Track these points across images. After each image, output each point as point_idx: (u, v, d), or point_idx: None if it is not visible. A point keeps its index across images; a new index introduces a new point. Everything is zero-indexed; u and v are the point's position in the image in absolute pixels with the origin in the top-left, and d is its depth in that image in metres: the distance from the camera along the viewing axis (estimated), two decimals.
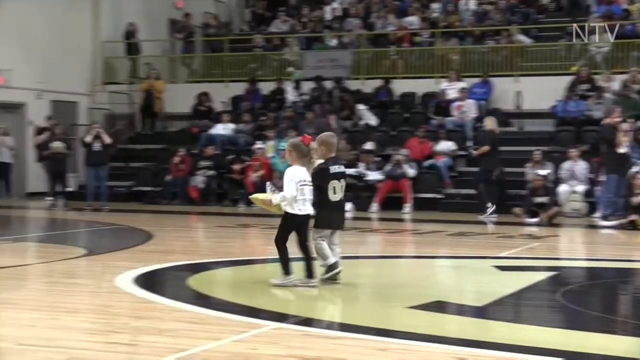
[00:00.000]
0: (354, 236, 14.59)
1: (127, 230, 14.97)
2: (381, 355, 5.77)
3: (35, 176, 21.72)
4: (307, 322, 6.83)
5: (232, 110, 23.21)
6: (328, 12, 25.94)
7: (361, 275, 10.07)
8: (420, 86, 22.63)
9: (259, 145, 20.39)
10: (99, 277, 9.32)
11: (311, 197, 8.33)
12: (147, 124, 24.20)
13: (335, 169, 8.61)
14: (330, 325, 6.66)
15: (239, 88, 23.71)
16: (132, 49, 25.18)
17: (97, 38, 24.68)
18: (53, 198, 19.32)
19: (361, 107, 21.79)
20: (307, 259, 8.42)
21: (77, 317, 6.99)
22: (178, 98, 23.59)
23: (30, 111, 22.61)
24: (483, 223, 16.47)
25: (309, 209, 8.33)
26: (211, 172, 20.48)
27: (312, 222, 8.52)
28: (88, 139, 18.81)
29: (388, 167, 19.11)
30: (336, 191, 8.55)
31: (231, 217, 17.31)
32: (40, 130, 21.04)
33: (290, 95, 23.14)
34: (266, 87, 23.56)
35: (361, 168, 19.40)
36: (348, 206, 18.62)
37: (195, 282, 8.84)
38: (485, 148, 17.55)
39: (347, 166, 19.00)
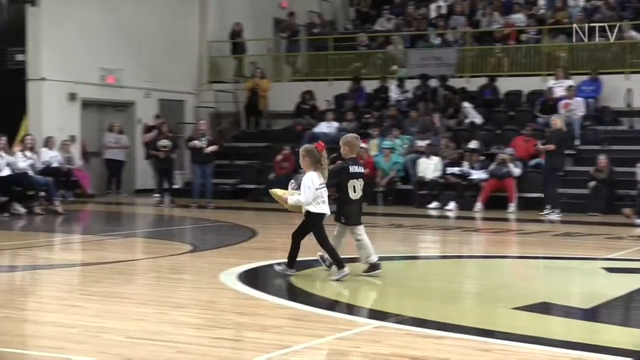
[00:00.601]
0: (458, 235, 14.47)
1: (231, 227, 15.18)
2: (484, 355, 5.71)
3: (144, 173, 22.22)
4: (410, 321, 6.80)
5: (336, 108, 23.26)
6: (433, 10, 25.76)
7: (464, 275, 9.98)
8: (526, 84, 22.27)
9: (362, 144, 20.36)
10: (204, 273, 9.47)
11: (326, 197, 8.82)
12: (251, 123, 24.48)
13: (355, 168, 9.10)
14: (432, 325, 6.62)
15: (343, 86, 23.76)
16: (238, 48, 25.52)
17: (204, 38, 25.10)
18: (160, 195, 19.73)
19: (467, 104, 21.58)
20: (294, 250, 8.93)
21: (183, 312, 7.12)
22: (282, 96, 23.80)
23: (139, 110, 23.15)
24: (590, 223, 16.08)
25: (325, 209, 8.83)
26: None
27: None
28: (196, 143, 19.04)
29: (492, 166, 18.87)
30: (356, 190, 9.02)
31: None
32: (148, 129, 21.53)
33: (394, 93, 23.07)
34: (370, 86, 23.54)
35: (465, 167, 19.21)
36: (451, 205, 18.56)
37: (298, 279, 8.90)
38: (551, 146, 17.27)
39: (450, 165, 19.24)
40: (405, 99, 22.81)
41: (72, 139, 20.95)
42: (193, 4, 24.82)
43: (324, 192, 8.81)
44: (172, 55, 23.69)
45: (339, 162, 9.33)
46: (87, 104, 21.92)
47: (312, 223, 8.87)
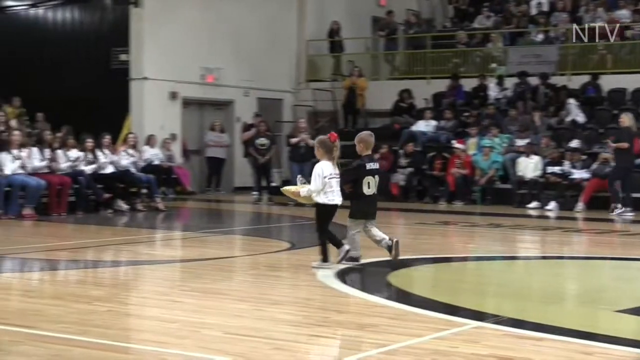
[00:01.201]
0: (558, 236, 14.19)
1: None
2: (585, 359, 5.58)
3: (242, 171, 22.48)
4: (509, 322, 6.70)
5: (434, 107, 23.10)
6: (533, 7, 25.33)
7: (565, 276, 9.79)
8: (630, 82, 21.69)
9: (456, 144, 20.21)
10: (302, 270, 9.52)
11: (338, 188, 9.13)
12: (349, 121, 24.50)
13: (370, 165, 9.46)
14: (531, 326, 6.51)
15: (441, 85, 23.58)
16: (336, 46, 25.58)
17: (302, 37, 25.25)
18: (258, 193, 19.92)
19: (572, 101, 21.15)
20: (323, 245, 9.22)
21: (281, 309, 7.17)
22: (380, 95, 23.75)
23: (238, 108, 23.44)
24: None
25: (336, 200, 9.15)
26: (410, 169, 20.48)
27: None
28: (294, 141, 19.20)
29: (595, 165, 18.46)
30: (370, 186, 9.40)
31: (431, 214, 17.25)
32: (247, 127, 21.77)
33: (493, 91, 22.78)
34: (468, 84, 23.30)
35: (566, 166, 18.83)
36: (552, 205, 18.22)
37: (395, 278, 8.87)
38: (624, 145, 16.80)
39: (551, 164, 18.88)
40: (505, 97, 22.51)
41: (173, 137, 21.34)
42: (292, 3, 25.00)
43: (334, 183, 9.10)
44: (271, 54, 23.91)
45: (357, 160, 9.64)
46: (187, 103, 22.31)
47: (320, 213, 9.18)
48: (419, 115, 22.67)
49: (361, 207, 9.44)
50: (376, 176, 9.45)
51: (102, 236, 13.46)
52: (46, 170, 16.15)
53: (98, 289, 8.31)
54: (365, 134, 9.93)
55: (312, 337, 6.05)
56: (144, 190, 17.47)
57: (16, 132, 16.21)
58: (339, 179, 9.19)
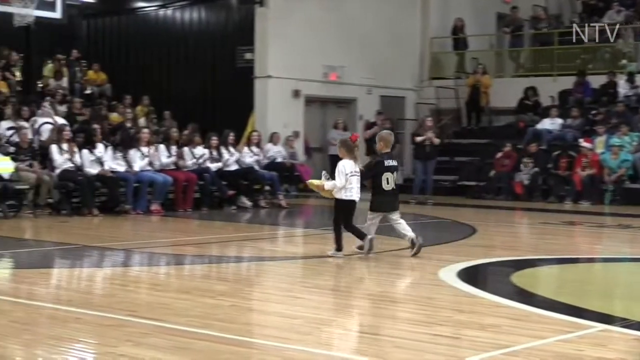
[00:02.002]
0: None
1: (450, 224, 15.10)
2: None
3: None
4: (637, 326, 6.49)
5: (560, 104, 22.60)
6: None
7: None
8: None
9: (583, 143, 19.71)
10: (423, 269, 9.47)
11: (358, 185, 9.85)
12: (472, 119, 24.24)
13: (388, 162, 10.12)
14: None
15: (568, 82, 23.03)
16: (460, 44, 25.33)
17: (426, 34, 25.10)
18: None
19: None
20: (338, 235, 9.89)
21: (401, 307, 7.15)
22: (504, 92, 23.39)
23: (360, 106, 23.48)
24: None
25: (354, 196, 9.87)
26: (535, 169, 20.08)
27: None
28: (419, 139, 19.10)
29: None
30: (389, 181, 10.06)
31: (556, 214, 16.88)
32: (369, 125, 21.77)
33: (623, 88, 22.10)
34: (596, 81, 22.68)
35: None
36: None
37: (518, 278, 8.73)
38: None
39: None
40: (635, 94, 21.81)
41: (296, 134, 21.54)
42: (415, 1, 24.87)
43: (354, 180, 9.81)
44: (394, 52, 23.86)
45: (376, 157, 10.40)
46: (310, 101, 22.48)
47: (340, 208, 9.87)
48: (545, 113, 22.21)
49: (380, 201, 10.12)
50: (395, 172, 10.15)
51: (226, 232, 13.70)
52: (173, 167, 16.56)
53: (222, 284, 8.47)
54: (385, 132, 10.68)
55: (433, 336, 6.01)
56: (267, 188, 17.70)
57: (145, 130, 16.69)
58: (359, 177, 9.90)
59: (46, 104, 17.19)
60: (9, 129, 16.16)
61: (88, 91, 21.33)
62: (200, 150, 17.13)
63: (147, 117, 20.19)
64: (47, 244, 11.68)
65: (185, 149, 16.99)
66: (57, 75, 20.55)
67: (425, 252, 10.82)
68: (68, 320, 6.39)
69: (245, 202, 17.09)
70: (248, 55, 21.67)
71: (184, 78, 23.17)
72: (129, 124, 18.10)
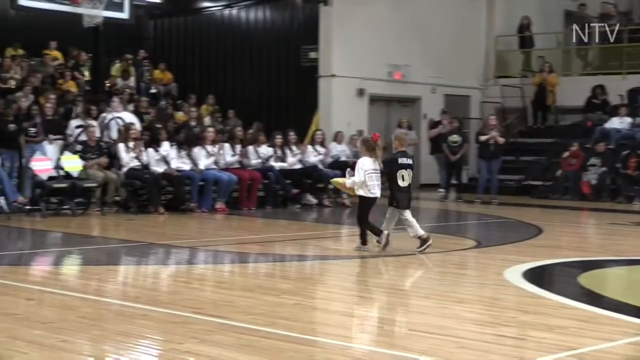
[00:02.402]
0: None
1: (516, 224, 14.94)
2: None
3: (428, 168, 22.38)
4: None
5: (629, 103, 22.18)
6: None
7: None
8: None
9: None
10: (488, 269, 9.39)
11: (378, 182, 10.22)
12: (538, 118, 23.94)
13: (403, 160, 10.51)
14: None
15: (637, 80, 22.60)
16: (526, 42, 25.04)
17: (491, 32, 24.87)
18: (445, 190, 19.79)
19: None
20: (363, 230, 10.29)
21: (466, 307, 7.10)
22: (571, 91, 23.05)
23: (424, 105, 23.37)
24: None
25: (376, 193, 10.25)
26: (603, 169, 19.76)
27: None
28: (483, 138, 18.95)
29: None
30: (404, 178, 10.42)
31: (625, 215, 16.59)
32: (434, 124, 21.66)
33: None
34: None
35: None
36: None
37: (585, 279, 8.60)
38: None
39: None
40: None
41: (360, 133, 21.50)
42: None
43: (374, 177, 10.21)
44: (459, 50, 23.69)
45: (391, 154, 10.90)
46: (374, 100, 22.45)
47: (362, 204, 10.28)
48: (613, 111, 21.84)
49: (397, 197, 10.41)
50: (409, 169, 10.50)
51: (290, 231, 13.76)
52: (237, 166, 16.68)
53: (286, 282, 8.51)
54: (400, 131, 11.25)
55: (498, 336, 5.96)
56: (331, 186, 17.71)
57: (210, 129, 16.84)
58: (379, 174, 10.29)
59: (116, 99, 17.46)
60: (78, 127, 16.46)
61: (154, 90, 21.61)
62: (264, 149, 17.22)
63: (212, 116, 20.38)
64: (114, 242, 11.85)
65: (250, 148, 17.10)
66: (125, 74, 20.86)
67: (490, 252, 10.75)
68: (135, 317, 6.48)
69: (311, 199, 17.13)
70: (312, 55, 21.72)
71: (248, 77, 23.32)
72: (193, 123, 18.28)
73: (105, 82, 20.26)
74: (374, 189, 10.26)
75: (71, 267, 9.85)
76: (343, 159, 19.48)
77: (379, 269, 9.36)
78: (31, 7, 18.01)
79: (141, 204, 15.37)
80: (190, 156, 15.95)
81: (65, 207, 14.76)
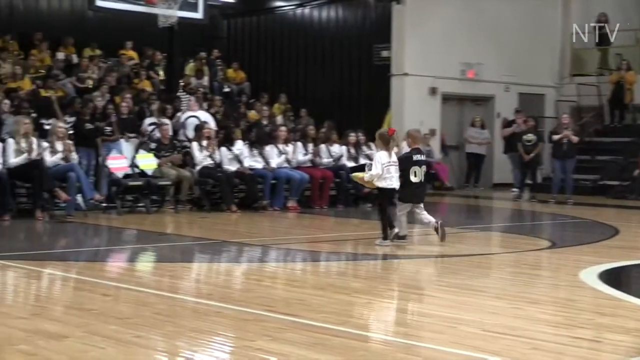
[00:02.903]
0: None
1: (591, 224, 14.70)
2: None
3: (501, 167, 22.17)
4: None
5: None
6: None
7: None
8: None
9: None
10: (562, 270, 9.26)
11: (397, 174, 10.61)
12: (615, 117, 23.50)
13: (417, 157, 10.96)
14: None
15: None
16: (603, 39, 24.58)
17: (567, 30, 24.49)
18: (519, 189, 19.55)
19: None
20: (384, 224, 10.64)
21: (539, 308, 7.01)
22: None
23: (498, 104, 23.13)
24: None
25: (394, 184, 10.61)
26: None
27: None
28: (556, 137, 18.68)
29: None
30: (417, 175, 10.84)
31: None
32: (507, 123, 21.43)
33: None
34: None
35: None
36: None
37: None
38: None
39: None
40: None
41: (432, 132, 21.42)
42: None
43: (392, 169, 10.58)
44: (533, 48, 23.38)
45: (405, 152, 11.66)
46: (447, 98, 22.31)
47: (382, 196, 10.74)
48: None
49: (409, 193, 10.86)
50: (423, 166, 10.95)
51: (362, 230, 13.74)
52: (309, 165, 16.73)
53: (357, 281, 8.51)
54: (413, 130, 11.84)
55: (573, 339, 5.86)
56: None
57: (282, 128, 16.92)
58: (397, 166, 10.65)
59: (192, 98, 17.65)
60: (151, 125, 16.71)
61: (227, 89, 21.81)
62: (336, 147, 17.23)
63: (284, 114, 20.48)
64: (188, 239, 12.00)
65: (322, 147, 17.13)
66: (198, 74, 21.10)
67: (565, 253, 10.59)
68: (208, 314, 6.54)
69: None
70: (385, 53, 21.68)
71: (320, 76, 23.38)
72: (265, 122, 18.39)
73: (180, 81, 20.53)
74: (392, 181, 10.62)
75: (146, 263, 10.00)
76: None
77: (451, 269, 9.29)
78: (108, 8, 18.34)
79: (214, 202, 15.53)
80: (262, 155, 16.05)
81: (140, 204, 14.99)
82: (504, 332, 5.99)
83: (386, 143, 10.71)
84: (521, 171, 19.63)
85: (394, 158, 10.71)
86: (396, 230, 10.65)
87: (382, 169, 10.53)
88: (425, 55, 21.36)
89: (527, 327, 6.17)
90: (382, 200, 10.83)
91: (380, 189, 10.75)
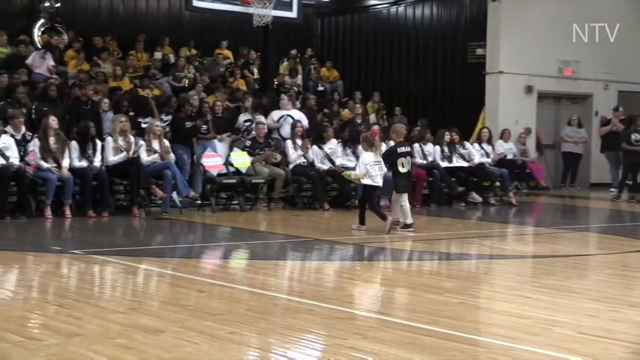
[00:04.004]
0: None
1: None
2: None
3: (599, 167, 21.70)
4: None
5: None
6: None
7: None
8: None
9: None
10: None
11: (380, 173, 11.65)
12: None
13: (401, 149, 12.10)
14: None
15: None
16: None
17: None
18: (617, 189, 19.10)
19: None
20: (362, 212, 11.96)
21: (638, 311, 6.84)
22: None
23: (596, 102, 22.64)
24: None
25: (379, 182, 11.71)
26: None
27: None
28: None
29: None
30: (404, 165, 11.96)
31: None
32: (606, 122, 20.96)
33: None
34: None
35: None
36: None
37: None
38: None
39: None
40: None
41: (528, 131, 21.10)
42: None
43: (376, 168, 11.59)
44: (635, 44, 22.77)
45: (391, 145, 12.93)
46: (542, 97, 21.94)
47: (366, 191, 11.87)
48: None
49: (400, 182, 11.99)
50: (408, 157, 12.08)
51: (455, 229, 13.64)
52: None
53: (450, 280, 8.44)
54: (397, 125, 13.31)
55: None
56: (497, 184, 17.44)
57: (375, 127, 16.88)
58: (381, 165, 11.65)
59: (285, 97, 17.79)
60: (246, 121, 16.89)
61: (321, 88, 21.90)
62: (430, 146, 17.12)
63: (377, 113, 20.45)
64: (280, 237, 12.09)
65: (416, 145, 17.04)
66: (292, 72, 21.24)
67: None
68: (300, 311, 6.58)
69: (476, 197, 16.91)
70: (479, 51, 21.45)
71: (414, 74, 23.28)
72: (358, 120, 18.39)
73: (274, 80, 20.70)
74: (377, 179, 11.66)
75: (239, 261, 10.12)
76: (510, 157, 19.16)
77: (546, 270, 9.14)
78: (204, 8, 18.63)
79: (306, 200, 15.61)
80: (355, 153, 16.06)
81: (234, 202, 15.17)
82: (601, 335, 5.86)
83: (370, 145, 11.76)
84: (624, 171, 19.00)
85: (379, 158, 11.70)
86: (401, 219, 11.72)
87: (366, 168, 11.56)
88: (521, 53, 21.04)
89: (625, 331, 6.03)
90: (366, 194, 11.93)
91: (365, 186, 11.80)
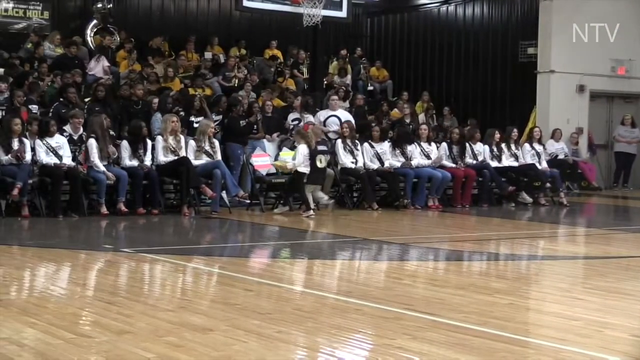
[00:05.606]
0: None
1: None
2: None
3: None
4: None
5: None
6: None
7: None
8: None
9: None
10: None
11: (307, 162, 13.75)
12: None
13: (320, 148, 14.10)
14: None
15: None
16: None
17: None
18: None
19: None
20: (304, 199, 13.75)
21: None
22: None
23: None
24: None
25: (305, 170, 13.77)
26: None
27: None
28: None
29: None
30: (321, 161, 14.02)
31: None
32: None
33: None
34: None
35: None
36: None
37: None
38: None
39: None
40: None
41: (580, 131, 20.85)
42: None
43: (308, 158, 13.71)
44: None
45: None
46: (595, 96, 21.66)
47: (298, 179, 13.77)
48: None
49: (315, 176, 13.98)
50: (326, 154, 14.21)
51: (505, 229, 13.54)
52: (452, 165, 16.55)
53: (499, 281, 8.37)
54: (315, 127, 15.10)
55: None
56: (548, 185, 17.26)
57: (423, 126, 16.83)
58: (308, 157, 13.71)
59: (334, 97, 17.77)
60: (294, 120, 16.93)
61: (370, 88, 21.86)
62: (479, 146, 16.99)
63: (426, 113, 20.37)
64: (329, 236, 12.10)
65: (465, 145, 16.92)
66: (341, 72, 21.23)
67: None
68: (348, 311, 6.57)
69: (526, 197, 16.74)
70: (531, 50, 21.25)
71: (464, 74, 23.13)
72: (407, 120, 18.31)
73: (323, 80, 20.71)
74: (305, 168, 13.75)
75: (287, 260, 10.14)
76: (561, 157, 18.97)
77: (598, 271, 9.02)
78: (254, 8, 18.70)
79: (355, 200, 15.60)
80: (404, 154, 16.00)
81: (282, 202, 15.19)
82: None
83: (303, 137, 13.85)
84: None
85: (309, 150, 13.73)
86: (313, 207, 13.74)
87: (304, 159, 13.65)
88: (572, 52, 20.79)
89: None
90: (299, 182, 13.75)
91: (297, 173, 13.72)
